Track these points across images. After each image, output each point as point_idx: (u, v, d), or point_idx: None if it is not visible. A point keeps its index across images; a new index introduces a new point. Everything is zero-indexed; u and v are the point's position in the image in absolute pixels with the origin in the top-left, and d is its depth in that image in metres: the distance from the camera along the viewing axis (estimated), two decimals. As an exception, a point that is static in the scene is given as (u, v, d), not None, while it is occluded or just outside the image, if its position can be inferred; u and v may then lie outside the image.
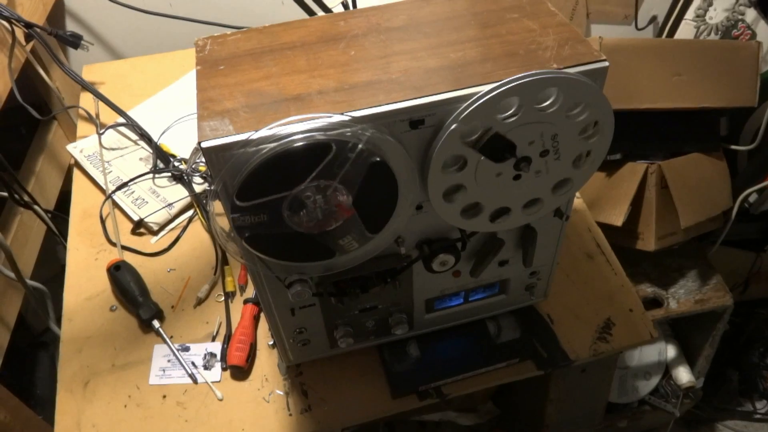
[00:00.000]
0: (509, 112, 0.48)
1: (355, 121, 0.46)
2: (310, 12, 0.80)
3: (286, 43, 0.56)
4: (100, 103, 1.05)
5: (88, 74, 1.11)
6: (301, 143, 0.45)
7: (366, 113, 0.47)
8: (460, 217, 0.56)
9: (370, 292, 0.62)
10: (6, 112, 0.95)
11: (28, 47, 1.06)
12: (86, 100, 1.08)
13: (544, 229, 0.65)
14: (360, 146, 0.45)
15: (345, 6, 0.89)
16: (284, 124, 0.45)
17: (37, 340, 1.32)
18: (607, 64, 0.50)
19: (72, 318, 0.81)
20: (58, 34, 1.02)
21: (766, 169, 1.11)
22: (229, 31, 0.60)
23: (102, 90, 1.06)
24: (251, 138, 0.45)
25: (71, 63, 1.28)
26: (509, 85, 0.46)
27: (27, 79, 1.11)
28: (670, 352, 1.36)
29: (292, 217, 0.49)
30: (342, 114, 0.46)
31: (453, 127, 0.47)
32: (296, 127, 0.45)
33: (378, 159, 0.47)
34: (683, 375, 1.34)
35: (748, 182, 1.14)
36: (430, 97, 0.48)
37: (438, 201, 0.54)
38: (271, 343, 0.76)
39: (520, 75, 0.46)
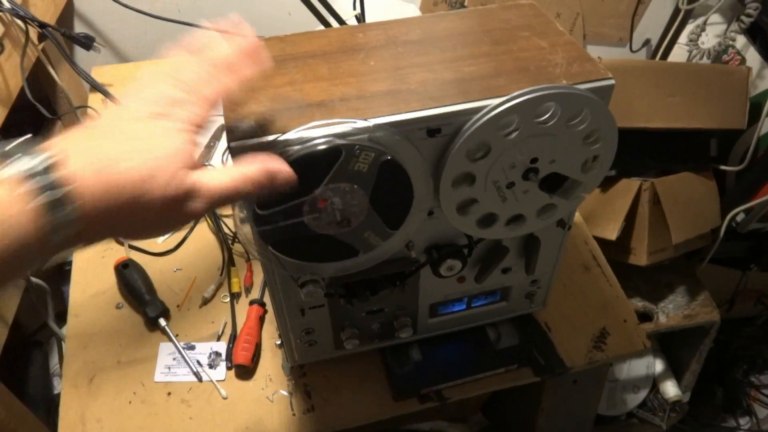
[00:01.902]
0: (511, 128, 0.51)
1: (377, 127, 0.49)
2: (324, 21, 0.83)
3: (308, 52, 0.58)
4: (109, 104, 1.07)
5: (96, 76, 1.12)
6: (323, 146, 0.47)
7: (387, 120, 0.49)
8: (476, 227, 0.58)
9: (378, 295, 0.64)
10: (11, 111, 0.96)
11: (40, 47, 1.07)
12: (94, 101, 1.10)
13: (547, 239, 0.67)
14: (367, 145, 0.47)
15: (358, 19, 0.92)
16: (311, 128, 0.48)
17: (30, 339, 1.32)
18: (613, 81, 0.53)
19: (78, 314, 0.82)
20: (71, 35, 1.03)
21: (753, 189, 1.15)
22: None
23: (110, 92, 1.08)
24: (279, 139, 0.47)
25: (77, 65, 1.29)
26: (515, 101, 0.49)
27: (35, 79, 1.12)
28: (658, 366, 1.39)
29: (312, 220, 0.51)
30: (365, 120, 0.49)
31: (457, 146, 0.50)
32: (322, 130, 0.47)
33: (389, 157, 0.49)
34: (670, 389, 1.37)
35: (737, 202, 1.18)
36: (448, 107, 0.50)
37: (452, 214, 0.56)
38: (279, 342, 0.78)
39: (526, 90, 0.49)
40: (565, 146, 0.54)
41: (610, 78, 0.53)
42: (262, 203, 0.49)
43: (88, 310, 0.83)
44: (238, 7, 1.29)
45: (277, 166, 0.43)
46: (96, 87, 1.06)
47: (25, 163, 0.32)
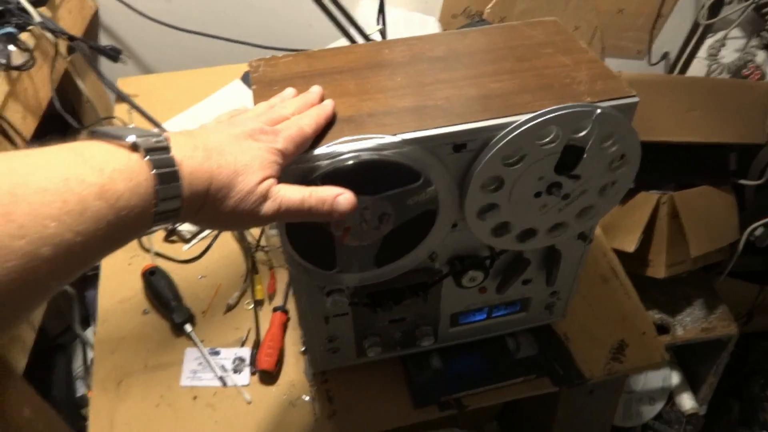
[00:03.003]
0: (547, 139, 0.52)
1: (405, 143, 0.50)
2: (348, 35, 0.85)
3: (335, 68, 0.60)
4: (134, 116, 1.09)
5: (122, 87, 1.15)
6: (353, 161, 0.49)
7: (415, 136, 0.51)
8: (490, 234, 0.60)
9: (402, 304, 0.66)
10: (40, 122, 0.99)
11: (68, 59, 1.10)
12: (120, 112, 1.13)
13: (567, 251, 0.68)
14: (425, 183, 0.50)
15: (382, 33, 0.94)
16: (340, 143, 0.49)
17: (54, 343, 1.34)
18: (637, 99, 0.54)
19: (106, 319, 0.84)
20: (99, 48, 1.06)
21: (773, 203, 1.15)
22: (259, 51, 0.64)
23: (136, 102, 1.11)
24: (312, 154, 0.49)
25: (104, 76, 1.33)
26: (550, 115, 0.50)
27: (62, 90, 1.16)
28: (675, 378, 1.38)
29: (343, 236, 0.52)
30: (393, 135, 0.50)
31: (497, 148, 0.51)
32: (352, 146, 0.49)
33: (433, 208, 0.51)
34: (687, 401, 1.36)
35: (755, 216, 1.18)
36: (475, 123, 0.52)
37: (472, 218, 0.57)
38: (303, 349, 0.79)
39: (561, 105, 0.50)
40: (591, 168, 0.56)
41: (634, 96, 0.54)
42: None
43: (116, 315, 0.85)
44: (259, 20, 1.32)
45: (342, 190, 0.48)
46: (122, 97, 1.09)
47: (150, 140, 0.38)
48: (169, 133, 0.41)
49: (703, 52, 1.26)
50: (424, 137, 0.51)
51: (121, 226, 0.36)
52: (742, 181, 1.18)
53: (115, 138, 0.38)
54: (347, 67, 0.60)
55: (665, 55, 1.40)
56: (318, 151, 0.49)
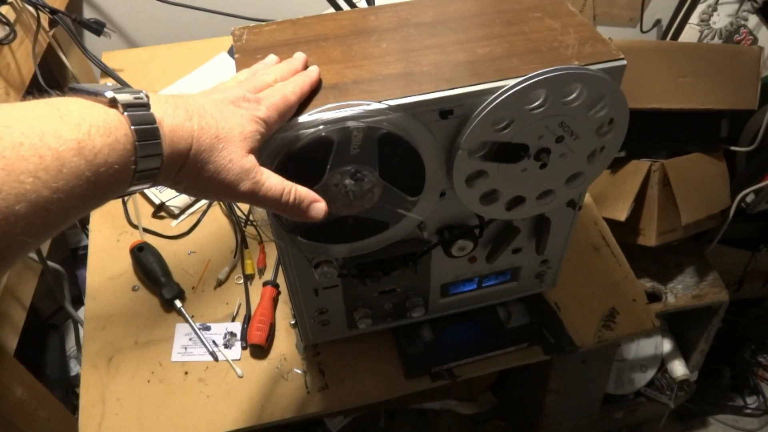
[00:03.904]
0: (536, 103, 0.52)
1: (392, 109, 0.49)
2: (335, 4, 0.83)
3: (321, 35, 0.59)
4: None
5: (107, 61, 1.13)
6: (314, 136, 0.48)
7: (401, 102, 0.50)
8: (478, 202, 0.59)
9: (391, 275, 0.65)
10: (23, 97, 0.97)
11: (51, 33, 1.08)
12: (105, 87, 1.10)
13: (557, 219, 0.68)
14: (355, 126, 0.48)
15: (368, 1, 0.92)
16: (325, 110, 0.48)
17: (46, 323, 1.34)
18: (625, 62, 0.53)
19: (95, 297, 0.84)
20: (82, 21, 1.04)
21: (764, 170, 1.15)
22: (245, 22, 0.63)
23: (121, 77, 1.09)
24: (297, 121, 0.48)
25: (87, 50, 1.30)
26: (537, 78, 0.49)
27: (45, 65, 1.13)
28: (666, 346, 1.40)
29: (330, 204, 0.51)
30: (379, 102, 0.49)
31: (484, 113, 0.50)
32: (336, 113, 0.48)
33: (384, 131, 0.49)
34: (678, 368, 1.38)
35: (747, 183, 1.18)
36: (461, 89, 0.51)
37: (460, 185, 0.57)
38: (293, 322, 0.79)
39: (547, 69, 0.49)
40: (579, 133, 0.55)
41: (622, 59, 0.53)
42: None
43: (105, 292, 0.84)
44: (246, -9, 1.29)
45: (319, 198, 0.48)
46: (107, 72, 1.06)
47: (129, 96, 0.38)
48: (150, 93, 0.40)
49: (695, 18, 1.24)
50: (410, 103, 0.50)
51: (99, 184, 0.35)
52: (734, 148, 1.18)
53: (93, 94, 0.37)
54: (333, 34, 0.59)
55: (657, 22, 1.38)
56: (302, 118, 0.48)
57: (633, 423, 1.50)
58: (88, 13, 1.29)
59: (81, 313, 1.25)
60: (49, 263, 1.00)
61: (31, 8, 0.97)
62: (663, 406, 1.41)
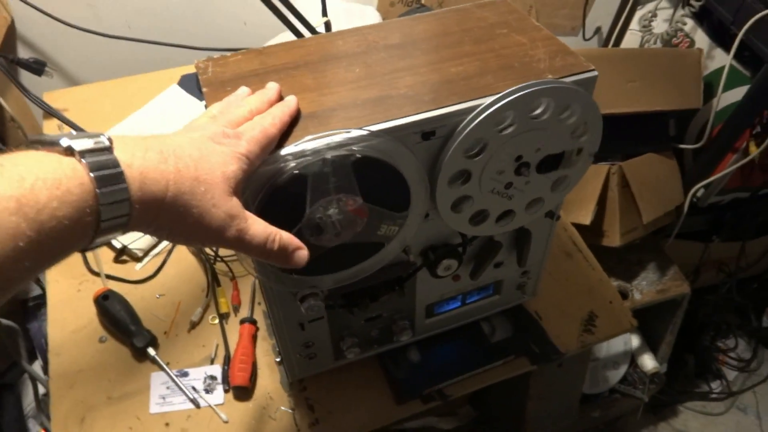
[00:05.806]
0: (505, 124, 0.52)
1: (374, 135, 0.48)
2: (294, 30, 0.81)
3: (290, 63, 0.57)
4: (65, 131, 1.02)
5: (50, 101, 1.07)
6: (320, 160, 0.46)
7: (384, 127, 0.49)
8: (468, 224, 0.59)
9: (378, 301, 0.64)
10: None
11: (-14, 76, 1.02)
12: (50, 128, 1.05)
13: (537, 230, 0.68)
14: (327, 158, 0.47)
15: (327, 25, 0.91)
16: (307, 141, 0.47)
17: (0, 382, 1.25)
18: (596, 73, 0.54)
19: (59, 352, 0.79)
20: (20, 61, 0.99)
21: (711, 165, 1.20)
22: (194, 53, 0.61)
23: (68, 116, 1.03)
24: (279, 154, 0.46)
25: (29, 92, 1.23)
26: (511, 97, 0.50)
27: (-21, 110, 1.07)
28: (635, 341, 1.43)
29: (320, 236, 0.50)
30: (361, 129, 0.48)
31: (456, 143, 0.50)
32: (319, 142, 0.47)
33: (358, 156, 0.47)
34: (648, 362, 1.41)
35: (697, 178, 1.23)
36: (441, 110, 0.50)
37: (446, 212, 0.56)
38: (278, 359, 0.76)
39: (524, 84, 0.50)
40: (554, 141, 0.55)
41: (593, 70, 0.54)
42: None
43: (70, 347, 0.79)
44: (190, 21, 1.26)
45: (302, 245, 0.47)
46: (52, 113, 1.01)
47: (88, 141, 0.35)
48: (116, 136, 0.38)
49: (635, 24, 1.30)
50: (393, 127, 0.49)
51: (47, 242, 0.32)
52: (682, 146, 1.23)
53: (49, 144, 0.35)
54: (302, 61, 0.58)
55: (598, 30, 1.44)
56: (284, 151, 0.47)
57: (609, 419, 1.53)
58: (23, 53, 1.23)
59: (36, 367, 1.18)
60: (2, 320, 0.93)
61: (-36, 51, 0.92)
62: (637, 399, 1.44)
